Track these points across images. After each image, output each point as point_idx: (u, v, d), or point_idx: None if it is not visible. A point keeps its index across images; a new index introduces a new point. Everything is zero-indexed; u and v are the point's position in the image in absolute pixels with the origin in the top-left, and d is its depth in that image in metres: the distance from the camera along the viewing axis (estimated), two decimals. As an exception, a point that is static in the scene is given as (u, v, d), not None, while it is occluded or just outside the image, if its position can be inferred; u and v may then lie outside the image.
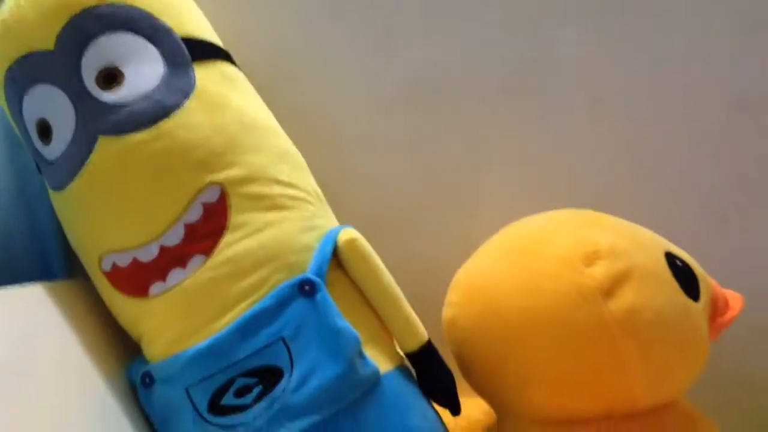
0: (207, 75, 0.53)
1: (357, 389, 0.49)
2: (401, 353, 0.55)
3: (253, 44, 0.68)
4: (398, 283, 0.55)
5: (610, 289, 0.52)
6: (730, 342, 0.63)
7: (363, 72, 0.70)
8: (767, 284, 0.67)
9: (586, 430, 0.54)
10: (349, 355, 0.49)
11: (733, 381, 0.72)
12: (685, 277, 0.55)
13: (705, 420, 0.59)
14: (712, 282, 0.59)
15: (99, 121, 0.50)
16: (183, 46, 0.53)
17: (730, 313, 0.59)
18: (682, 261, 0.56)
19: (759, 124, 0.68)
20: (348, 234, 0.53)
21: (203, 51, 0.54)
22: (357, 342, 0.50)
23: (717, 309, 0.58)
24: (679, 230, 0.60)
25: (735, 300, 0.60)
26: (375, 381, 0.50)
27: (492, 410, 0.61)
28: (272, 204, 0.52)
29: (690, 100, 0.68)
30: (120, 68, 0.51)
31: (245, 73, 0.59)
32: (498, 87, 0.69)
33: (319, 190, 0.58)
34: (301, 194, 0.54)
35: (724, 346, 0.61)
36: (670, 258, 0.55)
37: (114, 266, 0.51)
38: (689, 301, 0.55)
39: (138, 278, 0.51)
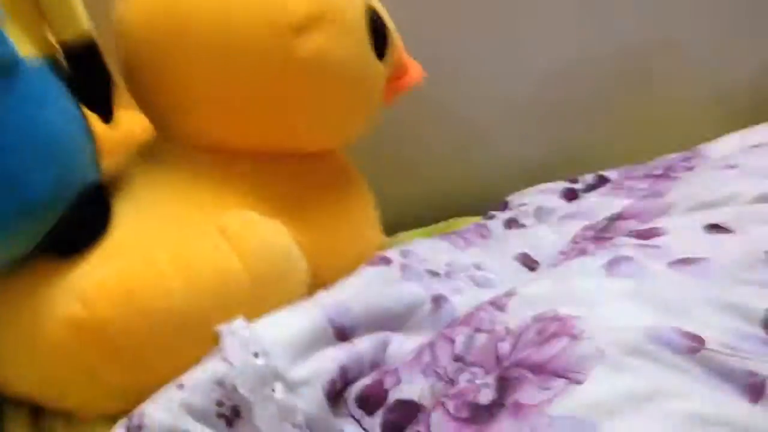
0: None
1: None
2: (54, 43, 0.50)
3: None
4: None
5: (304, 26, 0.51)
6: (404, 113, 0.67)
7: None
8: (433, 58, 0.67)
9: (242, 162, 0.55)
10: None
11: (393, 150, 0.77)
12: (378, 35, 0.56)
13: (358, 175, 0.62)
14: (400, 47, 0.61)
15: None
16: None
17: (408, 80, 0.61)
18: (381, 19, 0.57)
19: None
20: None
21: None
22: None
23: (398, 73, 0.60)
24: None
25: (416, 69, 0.62)
26: (10, 64, 0.44)
27: (152, 128, 0.59)
28: None
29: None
30: None
31: None
32: None
33: None
34: None
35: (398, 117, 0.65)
36: (371, 13, 0.56)
37: None
38: (374, 59, 0.56)
39: None
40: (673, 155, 0.71)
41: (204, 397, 0.41)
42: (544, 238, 0.62)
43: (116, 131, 0.55)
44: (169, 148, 0.57)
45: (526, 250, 0.61)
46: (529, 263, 0.60)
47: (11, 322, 0.49)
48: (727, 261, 0.44)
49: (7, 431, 0.51)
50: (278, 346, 0.43)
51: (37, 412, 0.53)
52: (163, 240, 0.50)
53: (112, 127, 0.54)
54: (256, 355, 0.42)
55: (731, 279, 0.42)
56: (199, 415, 0.41)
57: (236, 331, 0.44)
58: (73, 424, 0.51)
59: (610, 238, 0.53)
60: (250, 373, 0.41)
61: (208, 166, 0.55)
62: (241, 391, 0.41)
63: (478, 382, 0.40)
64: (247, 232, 0.50)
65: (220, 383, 0.42)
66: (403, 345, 0.48)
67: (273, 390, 0.41)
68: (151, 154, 0.57)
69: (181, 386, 0.42)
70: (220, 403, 0.41)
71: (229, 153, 0.55)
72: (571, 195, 0.73)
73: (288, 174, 0.56)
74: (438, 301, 0.51)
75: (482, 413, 0.38)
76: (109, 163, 0.55)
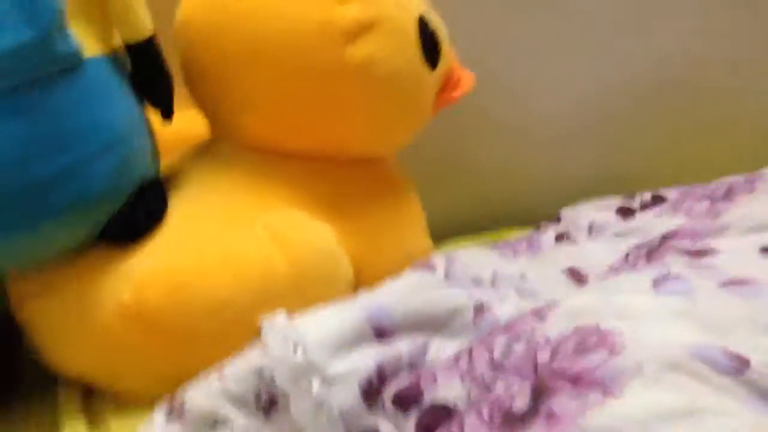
0: None
1: (52, 64, 0.44)
2: (118, 42, 0.51)
3: None
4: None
5: (356, 33, 0.52)
6: (449, 123, 0.67)
7: None
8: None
9: (293, 164, 0.56)
10: (46, 23, 0.43)
11: (445, 159, 0.77)
12: (429, 44, 0.56)
13: (407, 182, 0.62)
14: (452, 56, 0.60)
15: None
16: None
17: (459, 91, 0.61)
18: (433, 29, 0.57)
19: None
20: None
21: None
22: (57, 13, 0.44)
23: (449, 83, 0.60)
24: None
25: (467, 80, 0.62)
26: (75, 62, 0.46)
27: (208, 127, 0.61)
28: None
29: None
30: None
31: None
32: None
33: None
34: None
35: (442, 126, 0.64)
36: (423, 22, 0.56)
37: None
38: (426, 68, 0.56)
39: None
40: (736, 177, 0.69)
41: (243, 386, 0.43)
42: (595, 254, 0.61)
43: (175, 129, 0.57)
44: (223, 147, 0.58)
45: (575, 265, 0.60)
46: (578, 278, 0.59)
47: (68, 306, 0.51)
48: (779, 284, 0.43)
49: (61, 411, 0.53)
50: (317, 341, 0.43)
51: (89, 394, 0.55)
52: (213, 236, 0.52)
53: (171, 125, 0.56)
54: (295, 349, 0.43)
55: (782, 302, 0.41)
56: (237, 402, 0.43)
57: (277, 325, 0.45)
58: (123, 407, 0.53)
59: (662, 256, 0.52)
60: (287, 366, 0.42)
61: (260, 166, 0.56)
62: (279, 382, 0.42)
63: (514, 389, 0.40)
64: (293, 232, 0.52)
65: (258, 374, 0.43)
66: (442, 349, 0.48)
67: (310, 384, 0.42)
68: (207, 153, 0.59)
69: (222, 374, 0.44)
70: (258, 392, 0.43)
71: (281, 154, 0.56)
72: (626, 212, 0.72)
73: (337, 178, 0.58)
74: (481, 308, 0.51)
75: (515, 421, 0.37)
76: (166, 160, 0.57)
